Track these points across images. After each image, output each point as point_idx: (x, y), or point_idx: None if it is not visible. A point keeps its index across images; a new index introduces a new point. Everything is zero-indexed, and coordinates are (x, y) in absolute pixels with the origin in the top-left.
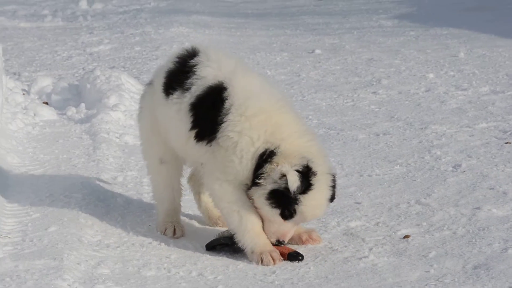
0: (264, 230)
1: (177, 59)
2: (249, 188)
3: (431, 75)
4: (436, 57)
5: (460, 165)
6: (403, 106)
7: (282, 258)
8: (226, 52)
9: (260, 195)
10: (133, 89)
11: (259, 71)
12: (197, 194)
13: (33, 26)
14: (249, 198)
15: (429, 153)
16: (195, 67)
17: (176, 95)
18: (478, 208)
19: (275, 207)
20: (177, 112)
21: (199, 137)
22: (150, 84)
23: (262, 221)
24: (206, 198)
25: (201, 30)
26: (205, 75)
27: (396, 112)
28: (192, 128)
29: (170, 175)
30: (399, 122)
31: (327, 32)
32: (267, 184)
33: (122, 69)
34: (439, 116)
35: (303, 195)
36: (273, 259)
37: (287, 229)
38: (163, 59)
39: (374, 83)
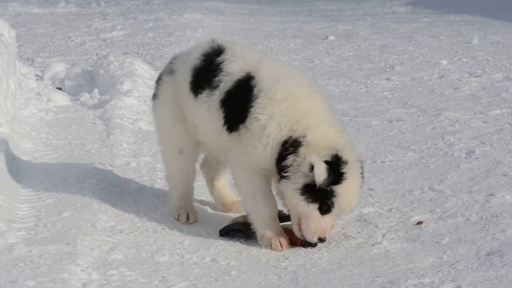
0: (301, 229)
1: (203, 57)
2: (278, 180)
3: (444, 62)
4: (450, 44)
5: (473, 152)
6: (417, 93)
7: (290, 245)
8: (251, 47)
9: (293, 190)
10: (147, 75)
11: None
12: (210, 181)
13: (46, 12)
14: (279, 193)
15: (442, 139)
16: (222, 64)
17: (205, 94)
18: (491, 194)
19: (311, 202)
20: (207, 110)
21: (231, 129)
22: (171, 73)
23: (298, 220)
24: (219, 185)
25: (215, 16)
26: (232, 70)
27: (409, 99)
28: (224, 123)
29: (187, 163)
30: (413, 108)
31: (340, 19)
32: (298, 178)
33: (136, 55)
34: (452, 103)
35: (337, 185)
36: (281, 245)
37: (326, 224)
38: (177, 45)
39: (388, 70)
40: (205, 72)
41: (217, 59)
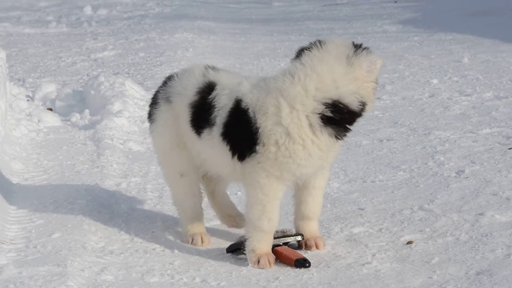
0: None
1: (198, 94)
2: None
3: (435, 81)
4: (440, 63)
5: (463, 171)
6: (407, 112)
7: (271, 265)
8: (232, 72)
9: None
10: (137, 95)
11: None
12: (211, 193)
13: (37, 32)
14: None
15: (432, 159)
16: (215, 100)
17: (206, 132)
18: (481, 214)
19: None
20: (211, 147)
21: (242, 157)
22: (167, 100)
23: None
24: (221, 197)
25: (206, 35)
26: (224, 103)
27: (399, 118)
28: (233, 154)
29: (191, 185)
30: (403, 127)
31: (331, 38)
32: None
33: (126, 75)
34: (442, 122)
35: None
36: (269, 263)
37: None
38: (167, 65)
39: (378, 89)
40: (202, 111)
41: (210, 96)
